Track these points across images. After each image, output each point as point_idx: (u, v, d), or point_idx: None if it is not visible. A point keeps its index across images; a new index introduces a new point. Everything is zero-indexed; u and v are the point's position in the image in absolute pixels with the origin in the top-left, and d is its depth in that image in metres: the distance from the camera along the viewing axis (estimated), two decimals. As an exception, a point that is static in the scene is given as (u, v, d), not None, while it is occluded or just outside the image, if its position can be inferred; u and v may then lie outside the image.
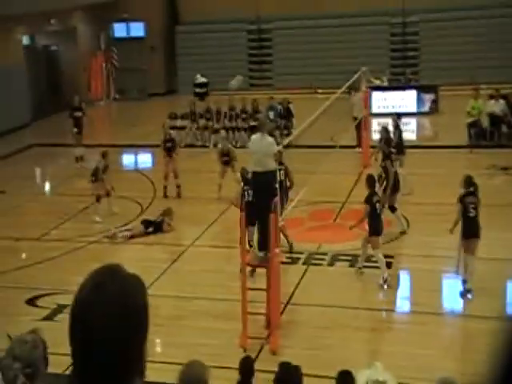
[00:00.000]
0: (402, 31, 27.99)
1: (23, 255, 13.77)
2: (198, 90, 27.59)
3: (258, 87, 28.35)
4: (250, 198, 11.02)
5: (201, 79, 27.88)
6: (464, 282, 10.85)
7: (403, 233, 13.27)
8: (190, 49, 29.39)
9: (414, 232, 13.40)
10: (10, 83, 23.53)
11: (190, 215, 14.96)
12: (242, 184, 12.02)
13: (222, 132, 20.97)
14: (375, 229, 11.46)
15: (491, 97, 19.63)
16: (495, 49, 25.88)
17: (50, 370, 3.64)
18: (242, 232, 9.66)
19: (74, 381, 1.81)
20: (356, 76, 18.31)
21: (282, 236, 11.48)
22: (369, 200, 11.54)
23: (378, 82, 23.85)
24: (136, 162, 21.42)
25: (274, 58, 29.20)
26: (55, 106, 26.25)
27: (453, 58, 26.19)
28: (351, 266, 12.01)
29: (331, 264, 12.18)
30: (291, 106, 21.22)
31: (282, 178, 12.16)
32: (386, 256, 12.25)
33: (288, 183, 12.57)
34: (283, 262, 11.02)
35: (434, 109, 23.25)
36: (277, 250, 9.62)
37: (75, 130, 19.51)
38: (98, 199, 14.91)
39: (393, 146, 14.42)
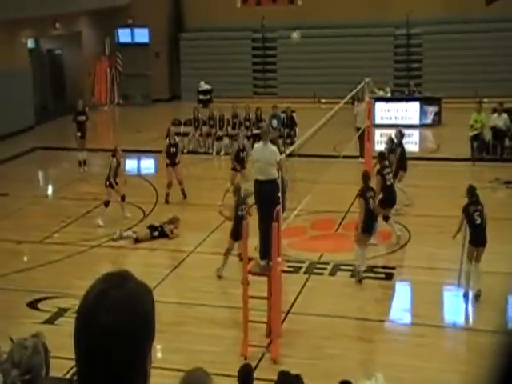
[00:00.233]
0: (406, 43, 28.09)
1: (25, 258, 13.79)
2: (201, 96, 27.69)
3: (262, 95, 28.42)
4: (241, 213, 11.52)
5: (204, 86, 27.99)
6: (465, 295, 10.88)
7: (401, 245, 13.27)
8: (194, 55, 29.48)
9: (415, 244, 13.42)
10: (15, 86, 23.60)
11: (192, 222, 14.98)
12: (236, 199, 12.12)
13: (225, 139, 21.02)
14: (366, 226, 11.51)
15: (494, 110, 19.68)
16: (499, 62, 25.97)
17: (51, 373, 3.64)
18: (244, 241, 9.69)
19: None
20: (360, 86, 18.37)
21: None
22: (362, 195, 11.70)
23: (381, 93, 23.91)
24: (139, 168, 21.46)
25: (278, 67, 29.28)
26: (59, 109, 26.33)
27: (456, 70, 26.26)
28: (353, 276, 12.02)
29: (333, 274, 12.19)
30: (295, 114, 21.28)
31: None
32: (387, 267, 12.30)
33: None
34: (285, 271, 11.04)
35: (437, 121, 23.30)
36: (279, 259, 9.64)
37: (79, 134, 19.55)
38: (107, 204, 14.91)
39: (393, 161, 14.55)
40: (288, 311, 10.63)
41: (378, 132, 21.74)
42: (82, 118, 19.70)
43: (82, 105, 20.11)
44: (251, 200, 11.30)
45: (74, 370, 1.80)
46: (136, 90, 29.59)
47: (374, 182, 12.94)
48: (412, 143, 21.17)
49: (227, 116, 21.30)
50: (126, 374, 1.71)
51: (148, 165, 21.51)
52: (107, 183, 14.97)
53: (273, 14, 28.63)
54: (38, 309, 11.14)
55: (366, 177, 12.27)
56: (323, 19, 27.88)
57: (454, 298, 11.20)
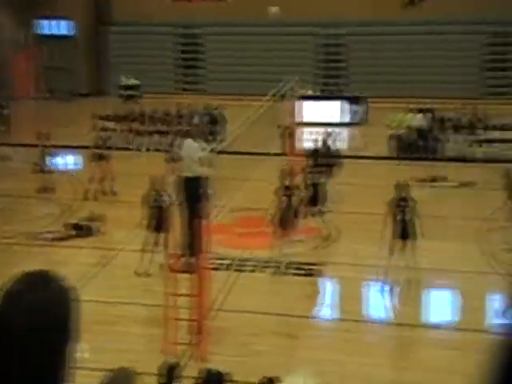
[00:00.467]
0: (332, 43, 28.54)
1: None
2: (127, 92, 27.33)
3: (191, 92, 28.30)
4: (158, 204, 11.63)
5: (130, 81, 27.63)
6: (391, 289, 11.18)
7: (328, 242, 13.49)
8: (121, 50, 29.07)
9: (342, 240, 13.67)
10: None
11: (121, 219, 14.76)
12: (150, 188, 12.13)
13: (155, 136, 20.85)
14: (283, 222, 11.80)
15: (419, 110, 20.26)
16: (422, 64, 26.75)
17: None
18: (170, 238, 9.63)
19: None
20: (285, 85, 18.53)
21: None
22: (279, 192, 11.99)
23: (307, 92, 24.21)
24: (65, 163, 20.97)
25: (207, 63, 29.22)
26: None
27: (381, 70, 26.90)
28: (278, 272, 12.14)
29: (260, 271, 12.27)
30: (224, 111, 21.28)
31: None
32: (313, 264, 12.47)
33: None
34: (211, 268, 11.03)
35: (363, 120, 23.78)
36: (206, 256, 9.63)
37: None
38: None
39: (319, 159, 14.80)
40: (215, 308, 10.62)
41: (303, 130, 22.01)
42: (2, 111, 19.12)
43: (4, 98, 19.51)
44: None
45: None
46: (59, 83, 28.94)
47: (299, 179, 13.11)
48: (339, 142, 21.51)
49: (157, 113, 21.11)
50: (44, 376, 1.68)
51: (74, 160, 21.05)
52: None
53: (202, 11, 28.54)
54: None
55: (284, 174, 12.41)
56: (252, 17, 27.99)
57: (378, 293, 11.46)
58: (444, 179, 17.23)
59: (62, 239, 13.61)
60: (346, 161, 17.71)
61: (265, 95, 16.95)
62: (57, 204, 15.57)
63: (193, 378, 7.46)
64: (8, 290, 1.71)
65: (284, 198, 12.17)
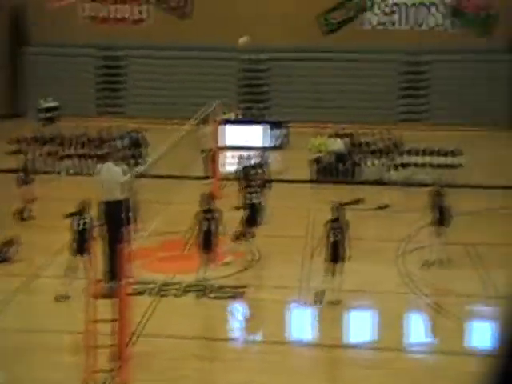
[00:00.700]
0: (253, 67, 28.92)
1: None
2: (45, 114, 26.76)
3: (109, 115, 27.99)
4: (82, 227, 11.55)
5: (48, 104, 27.08)
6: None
7: (251, 265, 13.55)
8: (38, 71, 28.49)
9: (265, 263, 13.75)
10: None
11: (39, 243, 14.36)
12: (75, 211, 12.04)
13: (73, 158, 20.48)
14: (203, 245, 11.99)
15: (335, 135, 20.75)
16: (341, 90, 27.46)
17: None
18: (92, 264, 9.45)
19: None
20: (207, 108, 18.63)
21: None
22: (198, 216, 12.16)
23: (229, 116, 24.39)
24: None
25: (127, 86, 29.01)
26: None
27: (302, 96, 27.44)
28: (201, 296, 12.09)
29: (182, 294, 12.18)
30: (144, 135, 21.14)
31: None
32: (236, 286, 12.48)
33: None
34: (132, 293, 10.87)
35: (284, 144, 24.13)
36: (126, 281, 9.48)
37: None
38: None
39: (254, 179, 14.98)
40: (136, 334, 10.46)
41: (225, 154, 22.12)
42: None
43: None
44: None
45: None
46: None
47: (219, 203, 13.17)
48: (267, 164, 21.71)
49: (75, 135, 20.76)
50: None
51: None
52: None
53: (124, 33, 28.39)
54: None
55: (203, 198, 12.52)
56: (172, 41, 28.05)
57: (301, 315, 11.57)
58: (362, 202, 17.64)
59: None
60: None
61: (188, 119, 16.99)
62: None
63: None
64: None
65: (205, 222, 12.15)
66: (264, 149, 18.24)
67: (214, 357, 10.11)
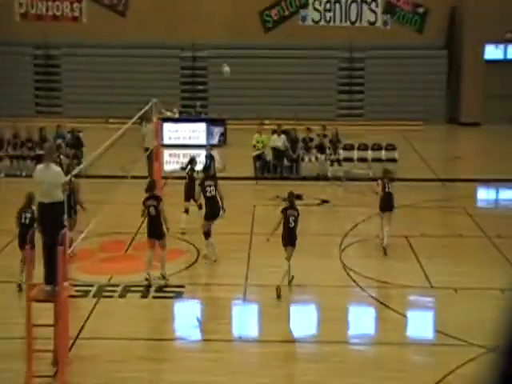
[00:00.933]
0: (192, 65, 28.76)
1: None
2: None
3: (46, 114, 27.38)
4: (27, 222, 11.51)
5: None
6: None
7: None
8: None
9: (203, 262, 13.68)
10: None
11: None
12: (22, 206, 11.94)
13: (6, 160, 19.95)
14: (149, 232, 12.38)
15: (274, 132, 20.82)
16: (279, 87, 27.57)
17: None
18: (28, 267, 9.23)
19: None
20: (147, 107, 18.43)
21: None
22: (144, 202, 12.50)
23: (168, 114, 24.21)
24: None
25: (63, 85, 28.42)
26: None
27: (239, 93, 27.45)
28: (143, 296, 11.96)
29: (123, 296, 12.02)
30: (81, 134, 20.77)
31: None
32: (177, 286, 12.40)
33: None
34: (72, 296, 10.68)
35: (223, 141, 24.10)
36: (65, 284, 9.30)
37: None
38: None
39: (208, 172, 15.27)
40: (77, 337, 10.27)
41: (166, 152, 21.95)
42: None
43: None
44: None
45: None
46: None
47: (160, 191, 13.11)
48: (199, 163, 21.62)
49: (7, 136, 20.24)
50: None
51: None
52: None
53: (57, 31, 27.79)
54: None
55: (150, 186, 12.81)
56: (110, 38, 27.62)
57: (242, 312, 11.57)
58: (301, 197, 17.76)
59: None
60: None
61: (128, 118, 16.77)
62: None
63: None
64: None
65: (151, 209, 12.41)
66: (209, 145, 18.13)
67: (155, 357, 10.01)
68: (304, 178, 19.95)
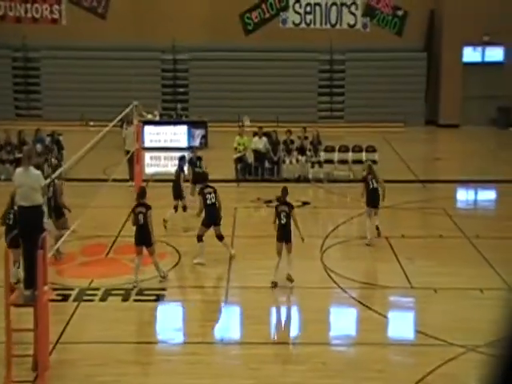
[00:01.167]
0: (172, 67, 28.71)
1: None
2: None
3: (25, 118, 27.20)
4: (11, 222, 11.50)
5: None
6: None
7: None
8: None
9: (185, 264, 13.68)
10: None
11: None
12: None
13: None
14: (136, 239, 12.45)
15: (255, 134, 20.85)
16: (261, 89, 27.61)
17: None
18: (7, 270, 9.16)
19: None
20: (128, 109, 18.38)
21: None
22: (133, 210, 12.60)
23: (149, 117, 24.17)
24: None
25: (42, 88, 28.24)
26: None
27: (220, 95, 27.45)
28: (124, 300, 11.92)
29: (103, 299, 11.97)
30: (61, 138, 20.65)
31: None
32: (157, 289, 12.37)
33: None
34: (52, 300, 10.62)
35: (204, 144, 24.08)
36: (45, 288, 9.25)
37: None
38: None
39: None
40: (57, 341, 10.21)
41: (147, 155, 21.91)
42: None
43: None
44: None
45: None
46: None
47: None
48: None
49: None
50: None
51: None
52: None
53: (36, 33, 27.61)
54: None
55: (140, 194, 12.86)
56: (90, 41, 27.50)
57: (223, 314, 11.58)
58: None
59: None
60: (187, 184, 17.84)
61: (109, 121, 16.71)
62: None
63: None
64: None
65: (139, 216, 12.37)
66: (193, 148, 18.12)
67: (136, 361, 9.98)
68: (285, 180, 19.98)
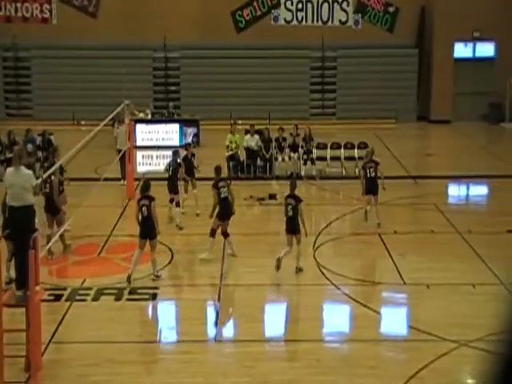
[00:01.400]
0: (163, 66, 28.66)
1: None
2: None
3: (16, 117, 27.10)
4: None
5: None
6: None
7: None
8: None
9: (178, 262, 13.67)
10: None
11: None
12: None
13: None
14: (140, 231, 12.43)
15: (247, 132, 20.83)
16: (251, 87, 27.60)
17: None
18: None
19: None
20: (119, 108, 18.33)
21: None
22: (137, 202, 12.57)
23: (141, 115, 24.11)
24: None
25: (33, 88, 28.14)
26: None
27: (212, 93, 27.42)
28: (117, 299, 11.89)
29: (96, 299, 11.94)
30: (52, 137, 20.58)
31: None
32: (150, 288, 12.35)
33: None
34: (44, 300, 10.59)
35: (196, 142, 24.04)
36: (37, 288, 9.22)
37: None
38: None
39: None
40: (49, 341, 10.18)
41: (139, 154, 21.88)
42: None
43: None
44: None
45: None
46: None
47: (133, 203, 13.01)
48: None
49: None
50: None
51: None
52: None
53: (26, 33, 27.50)
54: None
55: (144, 187, 12.80)
56: (80, 40, 27.41)
57: (215, 312, 11.56)
58: (275, 197, 17.81)
59: None
60: (181, 182, 17.81)
61: (101, 120, 16.66)
62: None
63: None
64: None
65: (143, 209, 12.39)
66: (188, 145, 18.07)
67: (128, 360, 9.95)
68: (277, 178, 20.01)
